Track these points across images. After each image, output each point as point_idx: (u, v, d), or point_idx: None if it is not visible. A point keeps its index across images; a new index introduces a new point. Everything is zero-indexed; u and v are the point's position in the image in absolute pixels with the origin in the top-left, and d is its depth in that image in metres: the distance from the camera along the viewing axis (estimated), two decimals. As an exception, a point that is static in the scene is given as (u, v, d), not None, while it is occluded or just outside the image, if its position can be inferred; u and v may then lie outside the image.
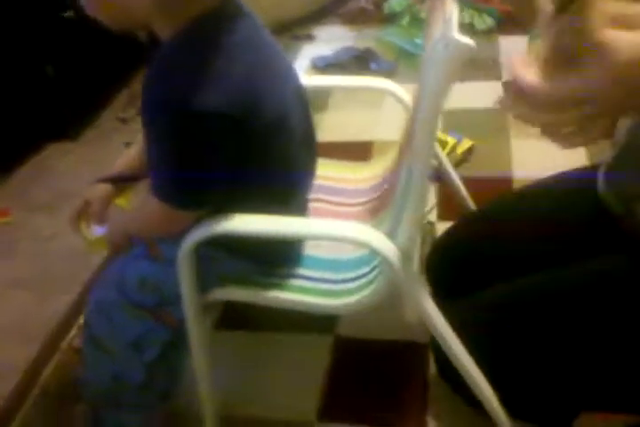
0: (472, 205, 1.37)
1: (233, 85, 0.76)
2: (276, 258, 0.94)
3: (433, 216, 1.61)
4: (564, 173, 1.11)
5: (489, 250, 1.05)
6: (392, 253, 0.81)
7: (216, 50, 0.75)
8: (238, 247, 0.88)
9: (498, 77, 2.27)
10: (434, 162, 1.30)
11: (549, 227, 1.03)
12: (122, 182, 1.02)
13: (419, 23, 2.61)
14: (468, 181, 1.75)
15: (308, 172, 0.99)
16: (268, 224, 0.81)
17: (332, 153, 2.00)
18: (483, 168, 1.81)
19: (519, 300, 0.93)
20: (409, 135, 0.93)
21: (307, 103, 0.96)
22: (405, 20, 2.62)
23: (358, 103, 2.18)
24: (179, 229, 0.84)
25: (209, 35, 0.76)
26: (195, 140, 0.76)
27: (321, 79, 1.43)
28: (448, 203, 1.57)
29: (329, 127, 2.11)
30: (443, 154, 1.31)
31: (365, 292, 0.88)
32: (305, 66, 2.49)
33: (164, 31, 0.78)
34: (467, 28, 2.52)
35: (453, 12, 0.83)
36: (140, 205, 0.92)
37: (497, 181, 1.76)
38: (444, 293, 1.10)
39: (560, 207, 1.05)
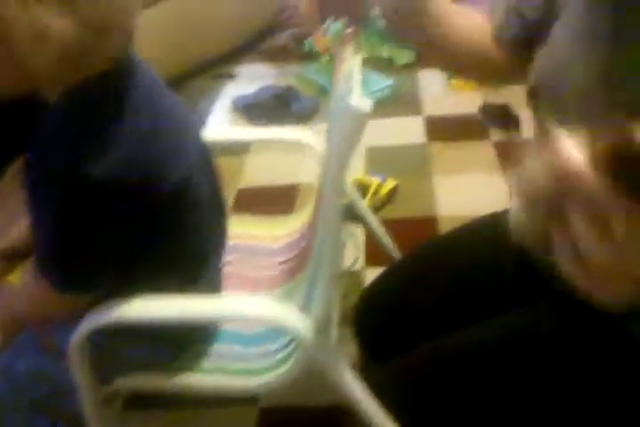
0: (395, 251, 1.34)
1: (131, 148, 0.70)
2: (185, 339, 0.88)
3: (360, 264, 1.58)
4: (490, 216, 1.09)
5: (414, 304, 1.02)
6: (305, 330, 0.76)
7: (111, 111, 0.69)
8: (139, 332, 0.81)
9: (418, 112, 2.29)
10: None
11: (471, 276, 1.01)
12: (14, 257, 0.94)
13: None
14: (393, 223, 1.74)
15: (219, 239, 0.93)
16: (168, 309, 0.75)
17: (257, 199, 1.98)
18: (407, 208, 1.81)
19: (436, 362, 0.90)
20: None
21: (211, 160, 0.90)
22: (325, 58, 2.63)
23: (281, 145, 2.15)
24: (68, 313, 0.76)
25: (105, 94, 0.70)
26: (84, 214, 0.69)
27: (232, 132, 1.38)
28: (376, 247, 1.54)
29: (252, 171, 2.06)
30: (360, 199, 1.27)
31: (283, 368, 0.83)
32: (226, 106, 2.44)
33: (54, 91, 0.70)
34: (386, 62, 2.55)
35: (354, 71, 0.80)
36: (25, 284, 0.84)
37: (421, 221, 1.75)
38: (371, 349, 1.06)
39: (481, 255, 1.04)
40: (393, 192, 1.81)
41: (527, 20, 0.85)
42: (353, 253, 1.18)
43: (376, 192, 1.73)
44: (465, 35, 0.88)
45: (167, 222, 0.77)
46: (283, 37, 2.76)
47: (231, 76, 2.68)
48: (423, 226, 1.72)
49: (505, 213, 1.00)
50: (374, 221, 1.29)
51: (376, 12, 0.83)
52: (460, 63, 0.92)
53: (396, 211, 1.80)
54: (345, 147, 0.69)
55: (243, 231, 1.14)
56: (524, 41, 0.85)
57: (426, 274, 1.04)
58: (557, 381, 0.81)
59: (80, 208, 0.68)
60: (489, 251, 1.02)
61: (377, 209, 1.76)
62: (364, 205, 1.25)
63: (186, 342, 0.88)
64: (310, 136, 1.12)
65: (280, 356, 0.86)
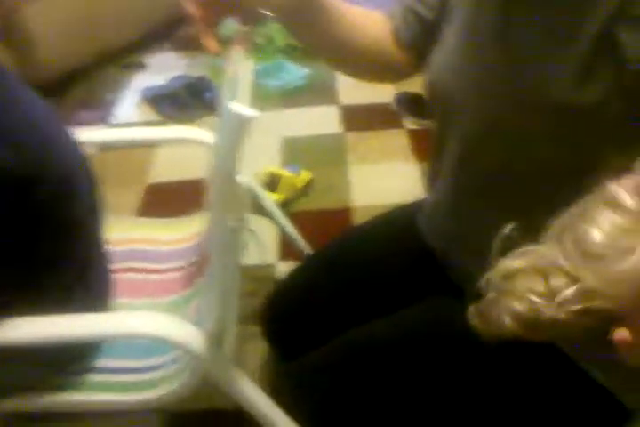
0: (304, 244, 1.31)
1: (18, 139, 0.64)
2: (65, 356, 0.82)
3: (273, 257, 1.55)
4: (398, 209, 1.08)
5: (322, 299, 1.00)
6: (196, 343, 0.73)
7: None
8: (15, 351, 0.75)
9: (333, 102, 2.26)
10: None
11: (379, 271, 1.00)
12: None
13: (256, 49, 2.56)
14: (308, 216, 1.73)
15: (99, 243, 0.88)
16: (40, 330, 0.70)
17: (167, 195, 1.92)
18: (323, 200, 1.78)
19: (344, 359, 0.88)
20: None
21: (86, 160, 0.85)
22: (240, 45, 2.56)
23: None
24: None
25: None
26: None
27: (116, 133, 1.30)
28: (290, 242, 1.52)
29: (163, 165, 1.99)
30: (265, 194, 1.23)
31: (178, 380, 0.79)
32: (136, 97, 2.35)
33: None
34: (301, 52, 2.50)
35: (244, 75, 0.76)
36: None
37: (337, 212, 1.74)
38: (281, 347, 1.04)
39: (392, 246, 1.03)
40: (308, 184, 1.79)
41: (424, 20, 0.83)
42: (261, 249, 1.14)
43: (290, 185, 1.70)
44: (362, 33, 0.85)
45: (46, 223, 0.72)
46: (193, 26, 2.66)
47: (141, 66, 2.58)
48: (339, 217, 1.71)
49: (417, 202, 0.99)
50: (281, 215, 1.25)
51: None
52: (357, 63, 0.90)
53: (312, 203, 1.77)
54: (227, 152, 0.65)
55: (144, 235, 1.09)
56: (423, 41, 0.83)
57: (336, 267, 1.02)
58: (458, 374, 0.81)
59: None
60: (400, 241, 1.01)
61: (292, 202, 1.73)
62: (269, 200, 1.21)
63: (66, 359, 0.82)
64: (204, 133, 1.07)
65: (175, 367, 0.82)
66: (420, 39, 0.84)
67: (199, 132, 1.07)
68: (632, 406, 0.81)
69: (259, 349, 1.22)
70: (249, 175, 1.13)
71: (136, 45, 2.64)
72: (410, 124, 2.10)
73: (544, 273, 0.31)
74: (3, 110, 0.68)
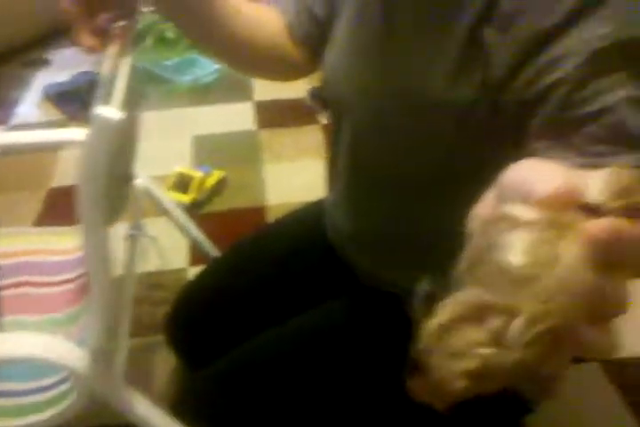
0: (210, 248, 1.28)
1: None
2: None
3: (184, 262, 1.50)
4: (308, 207, 1.06)
5: (228, 304, 0.97)
6: (79, 363, 0.68)
7: None
8: None
9: (247, 98, 2.22)
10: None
11: (287, 271, 0.98)
12: None
13: (166, 43, 2.48)
14: (221, 216, 1.69)
15: None
16: None
17: (70, 199, 1.80)
18: (236, 199, 1.75)
19: (242, 366, 0.86)
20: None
21: None
22: (150, 41, 2.48)
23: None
24: None
25: None
26: None
27: (11, 136, 1.19)
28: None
29: (66, 168, 1.90)
30: (165, 196, 1.17)
31: (66, 401, 0.74)
32: (37, 95, 2.23)
33: None
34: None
35: (119, 74, 0.72)
36: None
37: (251, 211, 1.70)
38: (186, 355, 1.00)
39: (298, 248, 1.00)
40: (221, 184, 1.74)
41: (317, 16, 0.81)
42: (162, 255, 1.09)
43: (201, 185, 1.65)
44: (257, 29, 0.82)
45: None
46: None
47: (45, 63, 2.45)
48: (253, 216, 1.68)
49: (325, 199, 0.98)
50: (184, 218, 1.21)
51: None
52: (254, 60, 0.86)
53: (226, 202, 1.73)
54: (94, 157, 0.60)
55: (39, 246, 1.02)
56: (317, 37, 0.81)
57: (243, 269, 0.99)
58: (355, 383, 0.80)
59: None
60: (309, 240, 0.99)
61: (204, 202, 1.68)
62: (170, 203, 1.16)
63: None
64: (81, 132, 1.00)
65: (62, 388, 0.77)
66: (314, 35, 0.82)
67: (77, 133, 1.01)
68: (530, 397, 0.82)
69: (168, 359, 1.18)
70: (147, 177, 1.09)
71: (39, 41, 2.52)
72: (324, 119, 2.08)
73: (477, 319, 0.29)
74: None
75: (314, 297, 0.94)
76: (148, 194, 1.04)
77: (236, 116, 2.12)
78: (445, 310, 0.29)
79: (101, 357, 0.70)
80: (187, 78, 2.25)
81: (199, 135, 2.02)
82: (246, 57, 0.86)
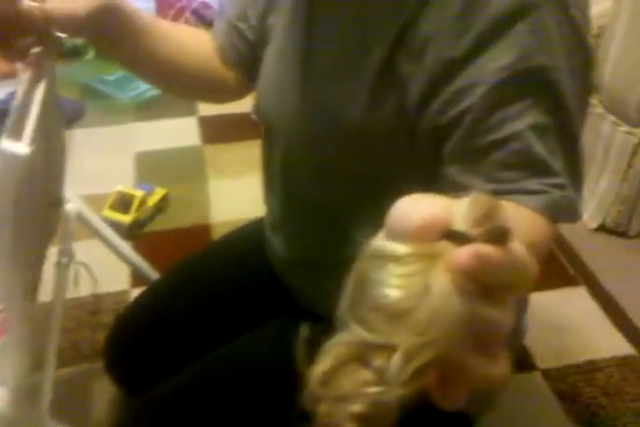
0: (148, 271, 1.25)
1: None
2: None
3: (126, 284, 1.47)
4: (253, 224, 1.04)
5: (168, 327, 0.94)
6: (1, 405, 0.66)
7: None
8: None
9: (191, 113, 2.20)
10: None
11: (229, 291, 0.96)
12: None
13: (107, 58, 2.44)
14: (164, 235, 1.66)
15: None
16: None
17: None
18: (180, 218, 1.72)
19: (175, 392, 0.84)
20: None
21: None
22: (90, 55, 2.43)
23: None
24: None
25: None
26: None
27: None
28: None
29: None
30: (95, 217, 1.13)
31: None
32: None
33: None
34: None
35: (33, 103, 0.70)
36: None
37: (195, 230, 1.68)
38: (125, 383, 0.97)
39: (242, 267, 0.99)
40: (164, 202, 1.72)
41: (248, 39, 0.80)
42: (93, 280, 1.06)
43: (142, 204, 1.62)
44: (188, 52, 0.81)
45: None
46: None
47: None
48: (197, 235, 1.65)
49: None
50: (116, 239, 1.18)
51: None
52: (186, 83, 0.85)
53: (169, 221, 1.70)
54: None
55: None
56: (249, 59, 0.80)
57: (184, 290, 0.97)
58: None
59: None
60: (253, 258, 0.98)
61: (146, 222, 1.65)
62: (102, 225, 1.13)
63: None
64: None
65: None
66: (245, 57, 0.81)
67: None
68: (471, 411, 0.82)
69: (108, 386, 1.15)
70: (79, 200, 1.06)
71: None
72: (269, 134, 2.07)
73: (360, 360, 0.28)
74: None
75: (255, 319, 0.93)
76: (80, 217, 1.02)
77: (179, 132, 2.10)
78: (328, 355, 0.29)
79: (22, 395, 0.68)
80: (129, 94, 2.21)
81: (142, 152, 1.98)
82: (177, 81, 0.85)
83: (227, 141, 2.04)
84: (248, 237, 1.02)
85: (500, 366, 0.28)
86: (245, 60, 0.81)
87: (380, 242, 0.29)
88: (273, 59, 0.75)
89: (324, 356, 0.29)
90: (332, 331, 0.29)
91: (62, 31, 0.72)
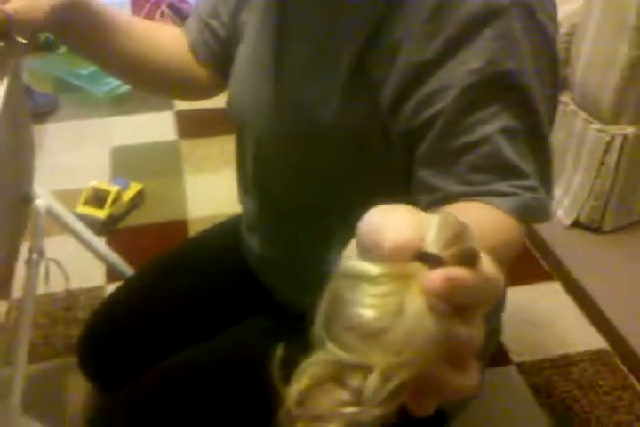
0: (122, 266, 1.23)
1: None
2: None
3: (101, 279, 1.45)
4: (232, 219, 1.03)
5: (142, 323, 0.93)
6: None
7: None
8: None
9: (168, 108, 2.17)
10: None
11: (207, 287, 0.95)
12: None
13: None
14: (139, 231, 1.64)
15: None
16: None
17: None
18: (156, 213, 1.70)
19: (157, 390, 0.83)
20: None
21: None
22: (63, 49, 2.39)
23: None
24: None
25: None
26: None
27: None
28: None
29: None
30: (66, 212, 1.11)
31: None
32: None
33: None
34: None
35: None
36: None
37: (171, 225, 1.67)
38: (99, 379, 0.96)
39: (220, 263, 0.98)
40: (139, 197, 1.69)
41: (219, 36, 0.79)
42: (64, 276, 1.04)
43: (117, 199, 1.60)
44: (159, 49, 0.80)
45: None
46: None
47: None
48: (174, 231, 1.64)
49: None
50: (88, 235, 1.16)
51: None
52: (158, 80, 0.84)
53: (145, 216, 1.69)
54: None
55: None
56: (222, 56, 0.80)
57: (160, 285, 0.96)
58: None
59: None
60: (232, 254, 0.97)
61: (121, 217, 1.63)
62: (73, 221, 1.11)
63: None
64: None
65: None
66: (218, 54, 0.81)
67: None
68: (446, 407, 0.83)
69: (82, 382, 1.14)
70: (50, 196, 1.04)
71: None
72: (247, 129, 2.06)
73: (337, 379, 0.28)
74: None
75: (232, 315, 0.92)
76: (51, 213, 1.00)
77: (155, 126, 2.08)
78: (304, 374, 0.28)
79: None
80: (103, 88, 2.18)
81: (117, 146, 1.96)
82: (147, 78, 0.84)
83: (203, 136, 2.03)
84: (226, 232, 1.01)
85: (472, 378, 0.29)
86: (218, 58, 0.81)
87: (353, 262, 0.29)
88: (246, 56, 0.74)
89: (300, 375, 0.28)
90: (308, 349, 0.29)
91: (25, 30, 0.70)
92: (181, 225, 1.66)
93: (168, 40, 0.82)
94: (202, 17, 0.80)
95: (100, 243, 1.18)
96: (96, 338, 0.95)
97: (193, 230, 1.62)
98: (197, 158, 1.93)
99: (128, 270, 1.21)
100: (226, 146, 2.03)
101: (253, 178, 0.79)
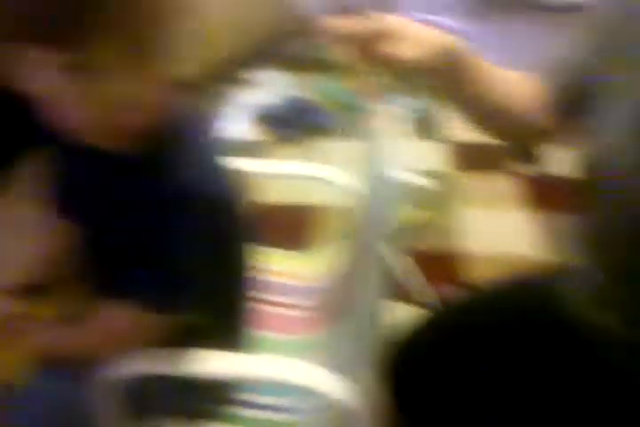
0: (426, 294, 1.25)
1: None
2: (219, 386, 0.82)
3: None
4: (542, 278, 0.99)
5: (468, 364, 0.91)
6: (351, 400, 0.69)
7: None
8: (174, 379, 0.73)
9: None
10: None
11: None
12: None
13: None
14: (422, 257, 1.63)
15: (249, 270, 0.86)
16: (213, 366, 0.71)
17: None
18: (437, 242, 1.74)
19: None
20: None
21: None
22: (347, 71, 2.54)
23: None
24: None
25: None
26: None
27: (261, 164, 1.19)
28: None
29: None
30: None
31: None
32: (245, 115, 2.35)
33: None
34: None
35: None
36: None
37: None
38: (404, 399, 0.95)
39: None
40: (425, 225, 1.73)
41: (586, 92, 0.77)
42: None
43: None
44: (509, 95, 0.82)
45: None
46: (303, 45, 2.65)
47: (248, 83, 2.60)
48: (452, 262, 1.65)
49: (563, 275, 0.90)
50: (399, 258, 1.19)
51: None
52: (501, 123, 0.86)
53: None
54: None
55: (270, 266, 1.06)
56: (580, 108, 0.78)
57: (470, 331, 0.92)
58: None
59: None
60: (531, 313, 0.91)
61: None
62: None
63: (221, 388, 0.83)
64: (334, 172, 1.03)
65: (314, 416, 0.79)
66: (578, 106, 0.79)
67: (330, 171, 1.03)
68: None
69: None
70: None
71: (242, 61, 2.66)
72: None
73: None
74: None
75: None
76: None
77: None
78: None
79: (363, 392, 0.71)
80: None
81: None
82: (493, 119, 0.85)
83: (475, 169, 2.04)
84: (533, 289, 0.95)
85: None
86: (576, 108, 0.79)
87: None
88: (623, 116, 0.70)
89: None
90: None
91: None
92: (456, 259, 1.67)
93: (526, 91, 0.83)
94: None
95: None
96: (407, 364, 0.94)
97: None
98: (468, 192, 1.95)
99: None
100: (496, 182, 2.01)
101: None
